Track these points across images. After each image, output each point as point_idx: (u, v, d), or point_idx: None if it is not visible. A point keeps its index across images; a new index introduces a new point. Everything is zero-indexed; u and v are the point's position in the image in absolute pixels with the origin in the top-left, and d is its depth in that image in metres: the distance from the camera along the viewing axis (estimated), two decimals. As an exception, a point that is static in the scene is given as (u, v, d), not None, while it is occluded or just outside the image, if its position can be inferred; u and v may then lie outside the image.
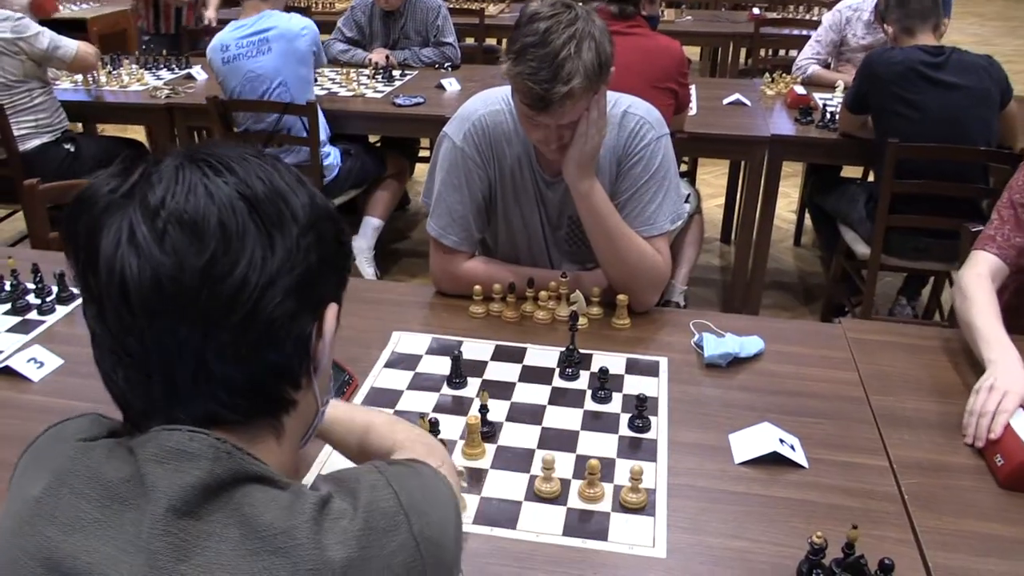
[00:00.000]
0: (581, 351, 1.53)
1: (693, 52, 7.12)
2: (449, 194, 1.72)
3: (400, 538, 0.66)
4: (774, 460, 1.27)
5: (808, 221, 3.90)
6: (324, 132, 3.28)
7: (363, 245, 3.51)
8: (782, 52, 5.48)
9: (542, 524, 1.17)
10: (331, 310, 0.73)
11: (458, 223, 1.74)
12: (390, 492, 0.68)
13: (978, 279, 1.57)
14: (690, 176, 3.94)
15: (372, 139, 3.96)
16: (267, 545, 0.62)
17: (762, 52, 5.02)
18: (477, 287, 1.70)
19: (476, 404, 1.40)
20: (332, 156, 3.34)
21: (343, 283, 0.76)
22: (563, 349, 1.54)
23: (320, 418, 0.80)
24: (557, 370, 1.52)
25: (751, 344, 1.56)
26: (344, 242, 0.75)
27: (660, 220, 1.69)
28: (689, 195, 2.87)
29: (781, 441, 1.30)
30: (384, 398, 1.45)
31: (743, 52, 5.43)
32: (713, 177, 4.85)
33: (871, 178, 3.32)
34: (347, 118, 3.41)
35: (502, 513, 1.19)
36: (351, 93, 3.60)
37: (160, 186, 0.65)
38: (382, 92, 3.61)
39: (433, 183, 1.76)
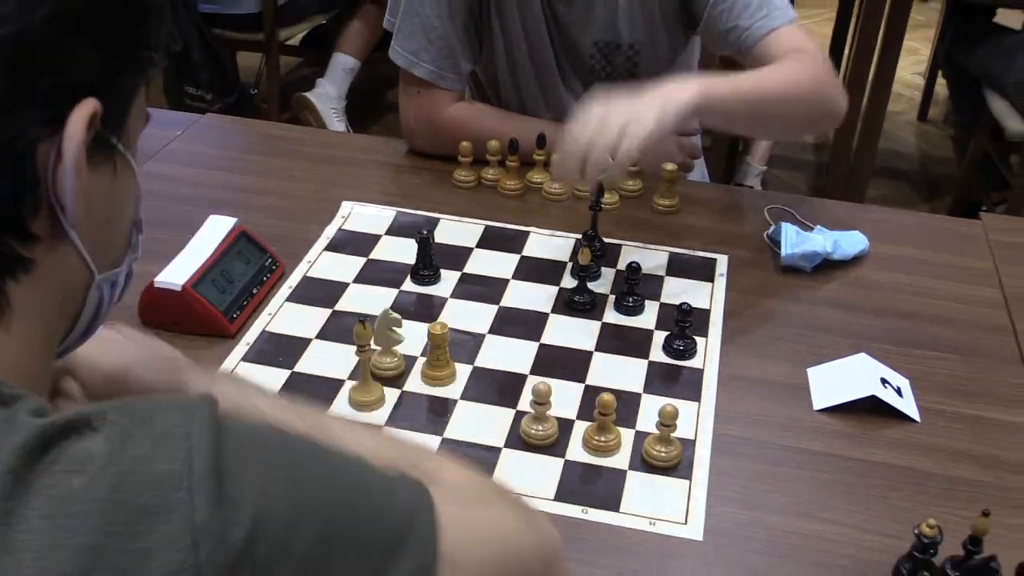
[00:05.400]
0: (606, 240, 1.49)
1: None
2: (422, 3, 1.61)
3: (169, 529, 0.50)
4: (872, 409, 1.22)
5: (940, 87, 3.83)
6: None
7: (331, 92, 3.45)
8: None
9: (528, 482, 1.10)
10: (82, 109, 0.59)
11: (436, 45, 1.63)
12: (182, 446, 0.52)
13: None
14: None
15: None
16: None
17: None
18: (465, 143, 1.62)
19: (449, 308, 1.34)
20: (289, -35, 3.26)
21: (134, 64, 0.64)
22: (580, 236, 1.49)
23: (110, 299, 0.71)
24: (570, 265, 1.47)
25: (849, 241, 1.50)
26: None
27: (778, 4, 1.51)
28: None
29: (884, 382, 1.24)
30: (319, 292, 1.40)
31: None
32: (816, 24, 4.73)
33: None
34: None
35: (471, 463, 1.09)
36: None
37: None
38: None
39: None
